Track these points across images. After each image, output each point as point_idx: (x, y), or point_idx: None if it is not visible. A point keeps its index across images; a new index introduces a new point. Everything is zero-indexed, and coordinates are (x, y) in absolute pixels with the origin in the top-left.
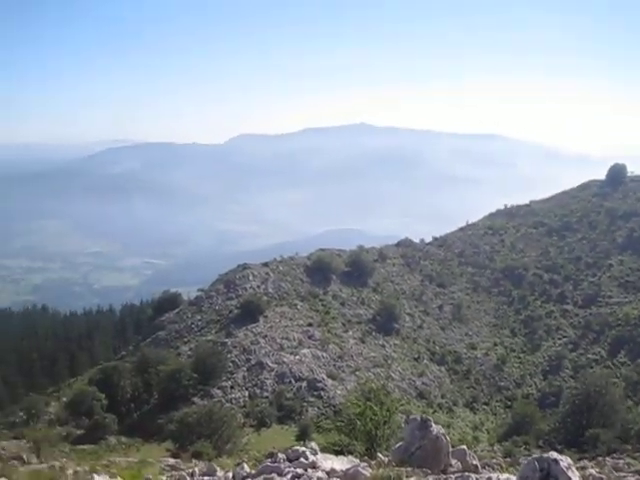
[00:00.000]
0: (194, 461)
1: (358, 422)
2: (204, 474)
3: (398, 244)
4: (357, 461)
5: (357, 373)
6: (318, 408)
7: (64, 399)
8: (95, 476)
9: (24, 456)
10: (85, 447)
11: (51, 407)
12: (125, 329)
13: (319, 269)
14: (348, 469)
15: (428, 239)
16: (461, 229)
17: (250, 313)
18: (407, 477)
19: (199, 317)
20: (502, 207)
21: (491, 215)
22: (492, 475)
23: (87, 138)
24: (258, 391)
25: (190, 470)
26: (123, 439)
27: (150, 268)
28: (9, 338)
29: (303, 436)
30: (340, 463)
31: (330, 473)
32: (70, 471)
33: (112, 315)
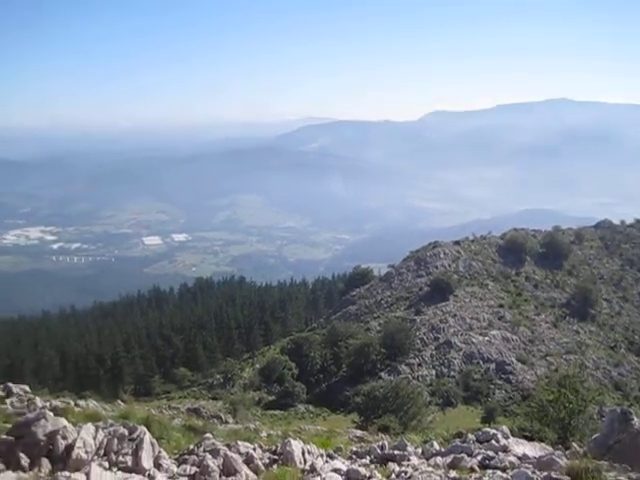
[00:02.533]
0: (380, 434)
1: (551, 409)
2: (394, 448)
3: (597, 226)
4: (550, 449)
5: (548, 358)
6: (506, 391)
7: (257, 366)
8: (291, 440)
9: (222, 416)
10: (276, 412)
11: (245, 372)
12: (317, 302)
13: (512, 249)
14: (542, 456)
15: (629, 221)
16: None
17: (440, 291)
18: (606, 471)
19: (389, 293)
20: None
21: None
22: None
23: (286, 117)
24: (445, 370)
25: (380, 443)
26: (311, 408)
27: (341, 243)
28: (209, 306)
29: (489, 418)
30: (532, 449)
31: (522, 458)
32: (264, 434)
33: (305, 288)
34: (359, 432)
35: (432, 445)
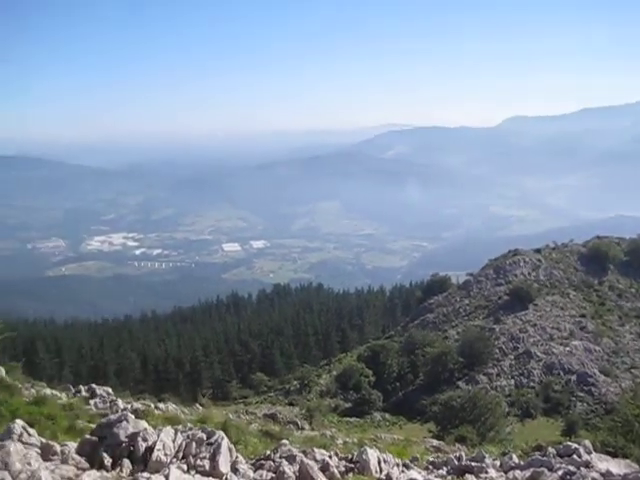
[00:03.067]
0: (457, 445)
1: (636, 424)
2: (472, 459)
3: None
4: (636, 466)
5: (633, 371)
6: (587, 404)
7: (334, 372)
8: (367, 449)
9: (298, 422)
10: (351, 420)
11: (322, 379)
12: (394, 309)
13: (595, 258)
14: (627, 474)
15: None
16: None
17: (519, 300)
18: None
19: (467, 301)
20: None
21: None
22: None
23: (365, 123)
24: (524, 380)
25: (457, 454)
26: (387, 416)
27: (419, 251)
28: (287, 312)
29: (570, 432)
30: (617, 466)
31: (606, 475)
32: (340, 441)
33: (382, 295)
34: (436, 442)
35: (511, 458)
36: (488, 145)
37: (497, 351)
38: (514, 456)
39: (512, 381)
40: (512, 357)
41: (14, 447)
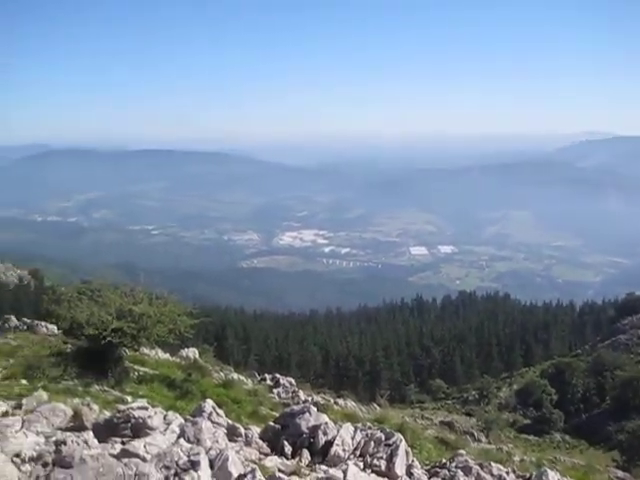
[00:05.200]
0: None
1: None
2: None
3: None
4: None
5: None
6: None
7: (515, 386)
8: (547, 470)
9: (475, 433)
10: (529, 437)
11: (502, 392)
12: (583, 327)
13: None
14: None
15: None
16: None
17: None
18: None
19: None
20: None
21: None
22: None
23: (561, 131)
24: None
25: None
26: (567, 438)
27: (615, 267)
28: (471, 320)
29: None
30: None
31: None
32: (517, 458)
33: (571, 311)
34: (620, 473)
35: None
36: None
37: None
38: None
39: None
40: None
41: (205, 425)
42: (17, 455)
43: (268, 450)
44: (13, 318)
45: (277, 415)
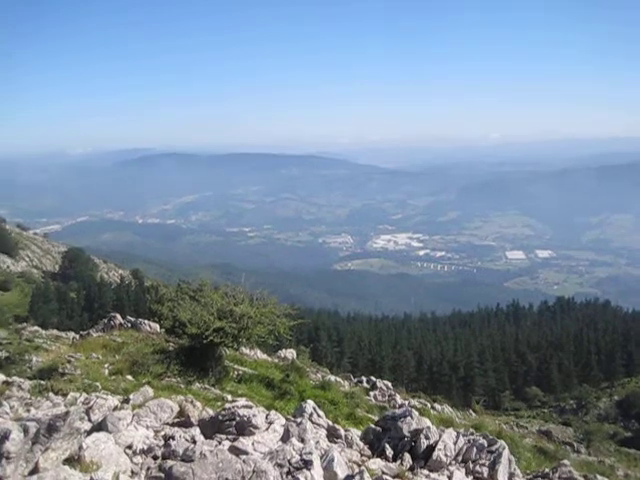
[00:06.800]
0: None
1: None
2: None
3: None
4: None
5: None
6: None
7: (615, 397)
8: None
9: (574, 444)
10: (631, 451)
11: (601, 402)
12: None
13: None
14: None
15: None
16: None
17: None
18: None
19: None
20: None
21: None
22: None
23: None
24: None
25: None
26: None
27: None
28: (569, 327)
29: None
30: None
31: None
32: (620, 472)
33: None
34: None
35: None
36: None
37: None
38: None
39: None
40: None
41: (309, 425)
42: (129, 447)
43: (369, 452)
44: (118, 316)
45: (373, 418)
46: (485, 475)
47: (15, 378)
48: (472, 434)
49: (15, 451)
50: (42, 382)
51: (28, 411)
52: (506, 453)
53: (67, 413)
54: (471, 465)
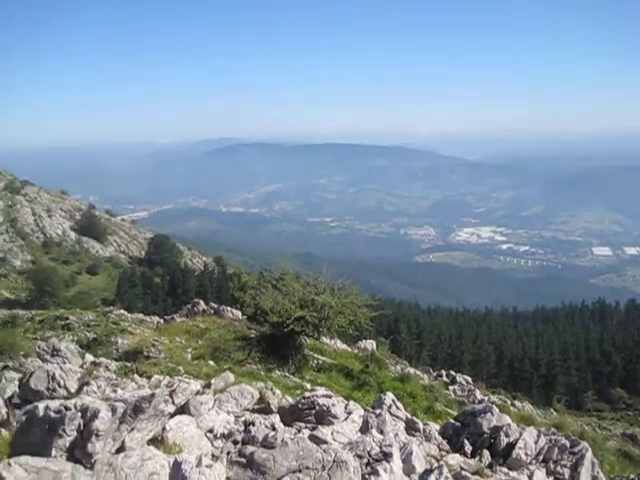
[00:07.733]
0: None
1: None
2: None
3: None
4: None
5: None
6: None
7: None
8: None
9: None
10: None
11: None
12: None
13: None
14: None
15: None
16: None
17: None
18: None
19: None
20: None
21: None
22: None
23: None
24: None
25: None
26: None
27: None
28: None
29: None
30: None
31: None
32: None
33: None
34: None
35: None
36: None
37: None
38: None
39: None
40: None
41: (388, 417)
42: (210, 431)
43: (447, 447)
44: (202, 302)
45: (452, 412)
46: (566, 476)
47: (102, 359)
48: (553, 434)
49: (104, 429)
50: (127, 364)
51: (115, 391)
52: (589, 455)
53: (152, 395)
54: (552, 465)
